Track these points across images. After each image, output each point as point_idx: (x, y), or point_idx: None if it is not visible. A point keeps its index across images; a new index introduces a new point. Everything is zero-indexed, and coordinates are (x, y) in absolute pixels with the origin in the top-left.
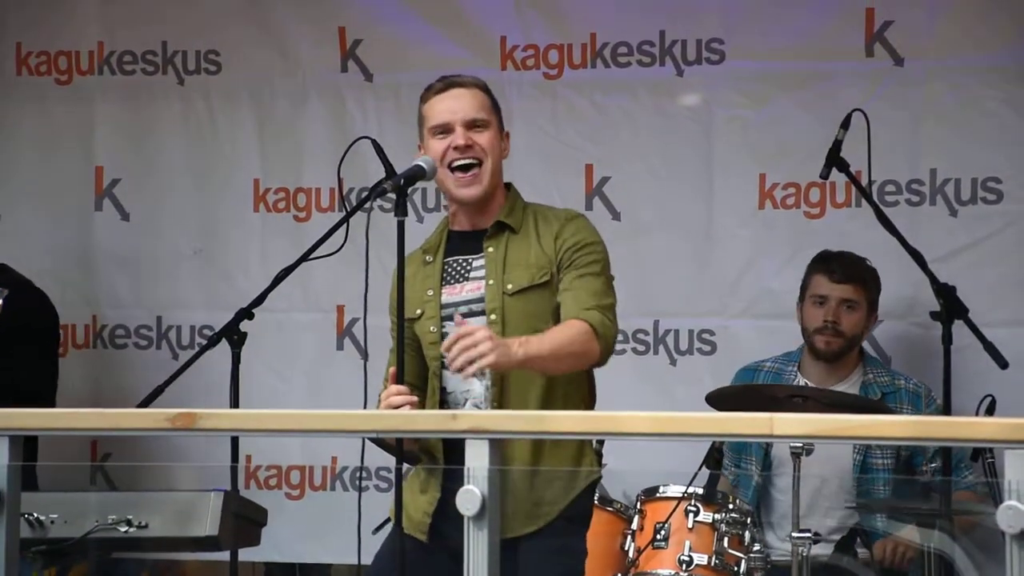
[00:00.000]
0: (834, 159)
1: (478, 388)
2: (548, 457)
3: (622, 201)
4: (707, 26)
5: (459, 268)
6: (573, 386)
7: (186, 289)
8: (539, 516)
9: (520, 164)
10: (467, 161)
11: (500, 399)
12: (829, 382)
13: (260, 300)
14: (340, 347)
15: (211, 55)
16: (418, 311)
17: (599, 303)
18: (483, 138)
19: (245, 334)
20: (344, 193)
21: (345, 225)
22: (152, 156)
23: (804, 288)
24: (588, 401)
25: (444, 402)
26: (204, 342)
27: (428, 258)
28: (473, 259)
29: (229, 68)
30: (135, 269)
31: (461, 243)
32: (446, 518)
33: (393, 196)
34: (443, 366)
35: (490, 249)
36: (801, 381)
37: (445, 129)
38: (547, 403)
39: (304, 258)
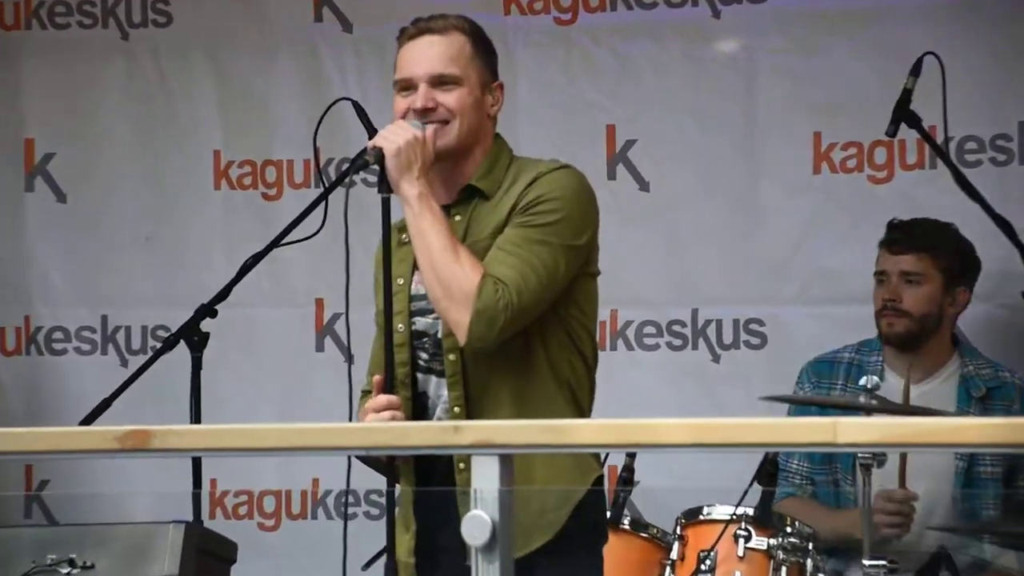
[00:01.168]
0: (903, 113)
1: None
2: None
3: (650, 168)
4: None
5: None
6: (555, 386)
7: (136, 283)
8: (546, 526)
9: (528, 126)
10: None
11: (465, 402)
12: (917, 375)
13: (224, 294)
14: (320, 348)
15: (159, 4)
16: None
17: (499, 267)
18: (450, 97)
19: (207, 335)
20: (321, 166)
21: (323, 204)
22: (92, 126)
23: (877, 270)
24: (581, 408)
25: (419, 412)
26: (158, 345)
27: (404, 237)
28: None
29: (181, 19)
30: (74, 260)
31: None
32: (428, 556)
33: (377, 168)
34: (415, 369)
35: (456, 218)
36: (889, 376)
37: (407, 85)
38: (521, 407)
39: (275, 243)
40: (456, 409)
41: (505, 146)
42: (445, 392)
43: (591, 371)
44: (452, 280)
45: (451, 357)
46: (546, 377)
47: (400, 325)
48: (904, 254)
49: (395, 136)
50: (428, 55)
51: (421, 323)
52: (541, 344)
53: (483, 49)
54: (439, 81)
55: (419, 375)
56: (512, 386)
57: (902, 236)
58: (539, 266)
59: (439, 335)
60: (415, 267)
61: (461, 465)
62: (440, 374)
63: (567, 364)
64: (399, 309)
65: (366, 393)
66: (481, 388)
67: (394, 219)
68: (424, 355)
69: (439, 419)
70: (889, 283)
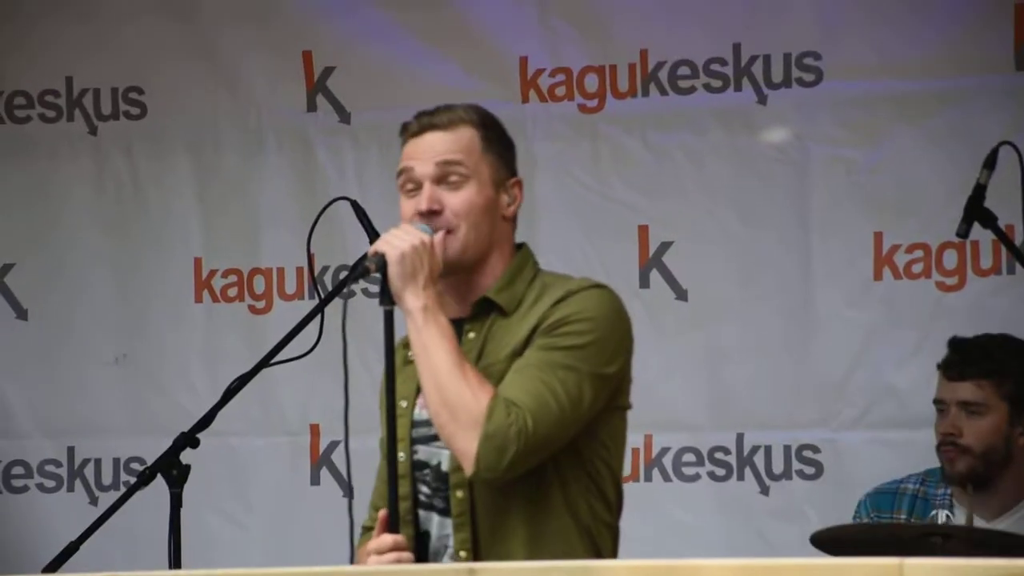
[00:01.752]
0: (976, 210)
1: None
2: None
3: (688, 274)
4: (797, 35)
5: None
6: (575, 533)
7: (106, 409)
8: None
9: (548, 228)
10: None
11: (473, 546)
12: (989, 513)
13: (207, 421)
14: (316, 481)
15: (132, 94)
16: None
17: (523, 399)
18: (457, 199)
19: (188, 467)
20: (316, 274)
21: (319, 317)
22: (56, 231)
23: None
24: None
25: (421, 554)
26: (132, 480)
27: (409, 355)
28: None
29: (157, 110)
30: (36, 384)
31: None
32: None
33: (379, 277)
34: (418, 504)
35: (470, 335)
36: (959, 512)
37: (412, 182)
38: (535, 556)
39: (265, 363)
40: (462, 554)
41: (530, 258)
42: (450, 533)
43: (615, 518)
44: (459, 402)
45: (459, 494)
46: (565, 523)
47: (402, 454)
48: (962, 381)
49: (399, 241)
50: (433, 150)
51: (423, 452)
52: (559, 484)
53: (496, 142)
54: (444, 176)
55: (420, 511)
56: (526, 530)
57: (959, 359)
58: (561, 393)
59: (443, 468)
60: (419, 389)
61: None
62: (442, 512)
63: (587, 508)
64: (401, 436)
65: (367, 530)
66: (490, 531)
67: (397, 334)
68: (425, 489)
69: None
70: (947, 414)
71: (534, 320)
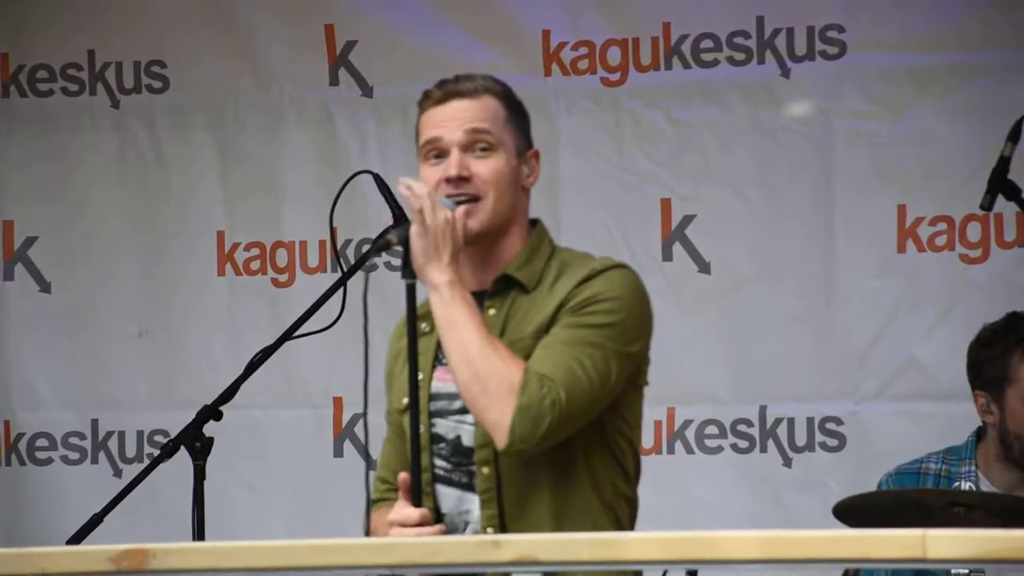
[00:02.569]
0: (1000, 183)
1: (477, 511)
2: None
3: (712, 247)
4: (821, 8)
5: None
6: (599, 507)
7: (130, 382)
8: None
9: (571, 202)
10: (461, 198)
11: (500, 521)
12: (1021, 489)
13: (230, 394)
14: (339, 453)
15: (154, 68)
16: (405, 401)
17: (546, 365)
18: (485, 166)
19: (211, 440)
20: (339, 247)
21: (342, 291)
22: (79, 205)
23: (1004, 375)
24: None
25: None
26: (156, 452)
27: (424, 327)
28: None
29: (179, 84)
30: (60, 357)
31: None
32: None
33: (401, 250)
34: (434, 478)
35: (491, 311)
36: (986, 488)
37: (437, 150)
38: (559, 525)
39: (288, 336)
40: (489, 530)
41: (546, 234)
42: (472, 509)
43: (634, 491)
44: (491, 375)
45: (485, 471)
46: (589, 498)
47: (420, 426)
48: None
49: (426, 212)
50: (462, 116)
51: (441, 425)
52: (584, 460)
53: (517, 113)
54: (473, 144)
55: (437, 485)
56: (551, 506)
57: None
58: (591, 369)
59: (463, 442)
60: (435, 361)
61: None
62: (462, 486)
63: (610, 484)
64: (420, 408)
65: (375, 502)
66: (517, 507)
67: (419, 304)
68: (441, 462)
69: None
70: None
71: (559, 298)
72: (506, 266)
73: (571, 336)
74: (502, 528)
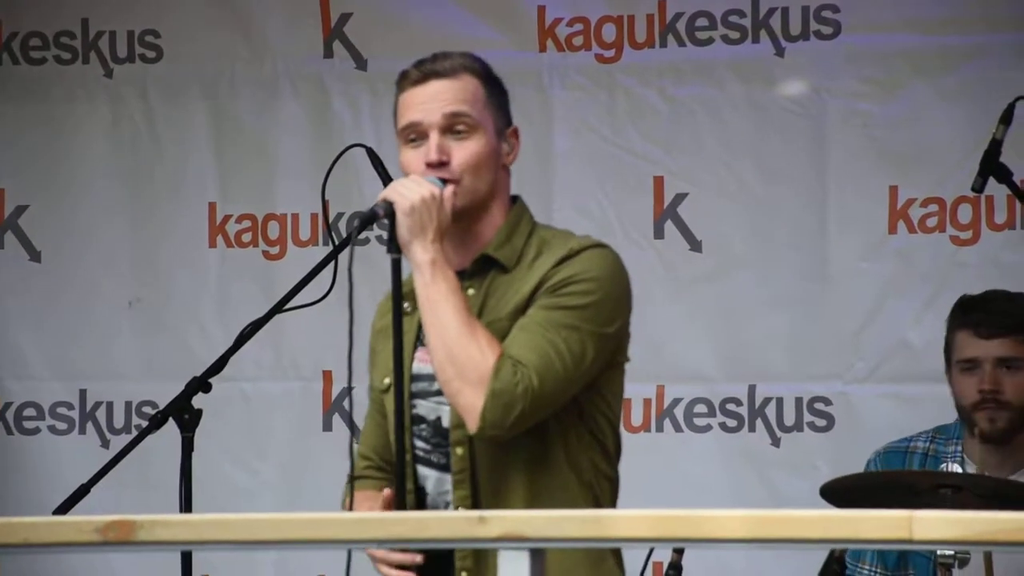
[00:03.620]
0: (991, 165)
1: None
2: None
3: (704, 226)
4: None
5: None
6: (577, 487)
7: (119, 353)
8: None
9: (565, 179)
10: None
11: (473, 503)
12: (1005, 469)
13: (219, 366)
14: (327, 427)
15: (148, 37)
16: (386, 380)
17: (520, 349)
18: (464, 149)
19: (200, 412)
20: (331, 221)
21: (332, 264)
22: (70, 174)
23: (948, 351)
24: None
25: (419, 509)
26: (144, 424)
27: (407, 307)
28: None
29: (173, 54)
30: (49, 327)
31: None
32: None
33: (388, 224)
34: (415, 459)
35: (470, 291)
36: (971, 468)
37: (416, 133)
38: (533, 505)
39: (278, 309)
40: (461, 511)
41: (525, 212)
42: (448, 489)
43: (614, 470)
44: (467, 360)
45: (459, 451)
46: (567, 477)
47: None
48: (998, 338)
49: (409, 191)
50: (441, 97)
51: (422, 407)
52: (560, 439)
53: (496, 92)
54: (452, 126)
55: (418, 466)
56: (527, 487)
57: (988, 317)
58: (565, 352)
59: (443, 423)
60: (417, 342)
61: (463, 574)
62: (440, 467)
63: (588, 462)
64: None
65: (357, 478)
66: (492, 488)
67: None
68: (422, 444)
69: None
70: (983, 372)
71: (537, 278)
72: (485, 246)
73: (547, 318)
74: (475, 509)
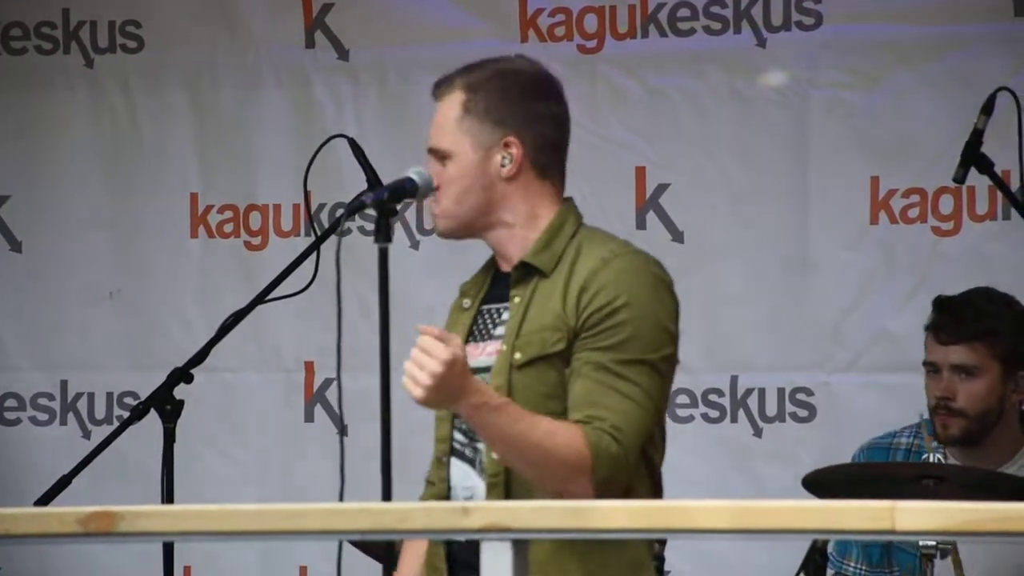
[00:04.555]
0: (973, 156)
1: (481, 485)
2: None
3: (685, 217)
4: None
5: (489, 320)
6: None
7: (100, 344)
8: None
9: None
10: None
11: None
12: (983, 468)
13: (201, 357)
14: (310, 418)
15: (129, 27)
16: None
17: (601, 411)
18: (442, 175)
19: (181, 403)
20: (313, 211)
21: (315, 254)
22: (51, 165)
23: (924, 355)
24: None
25: (446, 498)
26: (126, 414)
27: (466, 303)
28: (503, 309)
29: (154, 44)
30: (30, 317)
31: (500, 287)
32: None
33: (374, 215)
34: (451, 451)
35: (516, 299)
36: (952, 461)
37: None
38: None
39: (260, 299)
40: None
41: (570, 215)
42: (474, 485)
43: (657, 474)
44: (560, 463)
45: (494, 455)
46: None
47: None
48: (954, 344)
49: (421, 376)
50: (434, 123)
51: None
52: None
53: (483, 104)
54: (436, 157)
55: (452, 458)
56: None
57: (951, 322)
58: (640, 394)
59: None
60: (468, 336)
61: None
62: (468, 461)
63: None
64: None
65: (430, 484)
66: (526, 492)
67: (392, 270)
68: (459, 436)
69: None
70: (940, 377)
71: (577, 284)
72: (523, 254)
73: (609, 359)
74: None
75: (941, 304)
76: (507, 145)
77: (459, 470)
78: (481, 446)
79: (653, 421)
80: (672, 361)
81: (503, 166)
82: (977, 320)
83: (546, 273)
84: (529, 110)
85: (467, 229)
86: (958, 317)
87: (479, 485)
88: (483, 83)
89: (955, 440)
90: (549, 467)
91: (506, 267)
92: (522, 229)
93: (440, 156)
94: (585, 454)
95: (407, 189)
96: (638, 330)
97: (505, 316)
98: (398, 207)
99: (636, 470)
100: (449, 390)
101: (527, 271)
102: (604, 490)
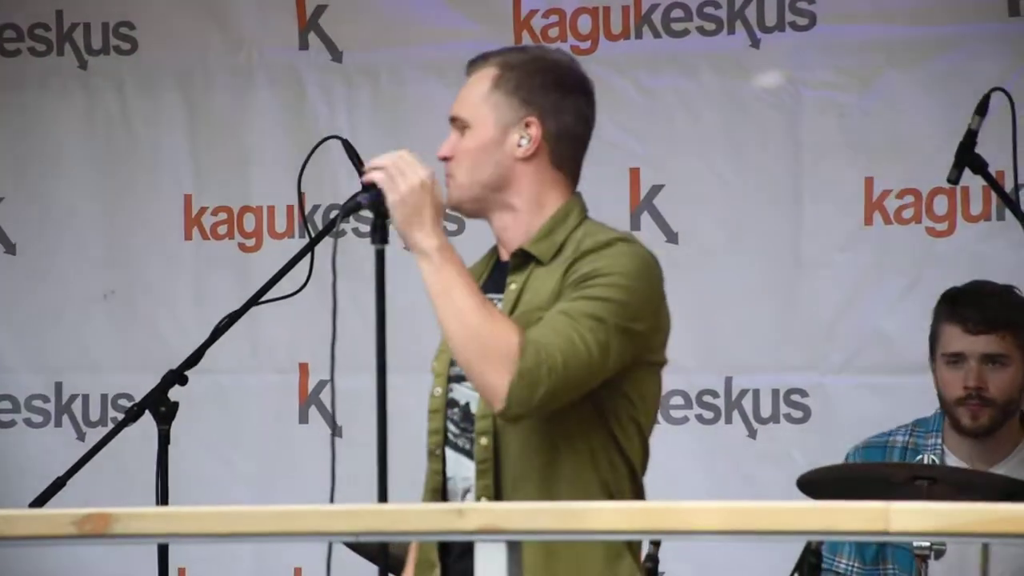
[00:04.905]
0: (967, 156)
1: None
2: (565, 563)
3: (679, 217)
4: None
5: None
6: (596, 488)
7: (94, 345)
8: None
9: None
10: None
11: (495, 493)
12: (982, 463)
13: (195, 359)
14: (304, 419)
15: (123, 29)
16: (432, 364)
17: (545, 333)
18: (459, 145)
19: (176, 405)
20: (307, 213)
21: (309, 256)
22: (45, 166)
23: (933, 342)
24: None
25: (443, 491)
26: (120, 416)
27: None
28: (499, 300)
29: (148, 46)
30: (24, 319)
31: (500, 275)
32: None
33: (371, 216)
34: (445, 441)
35: (512, 286)
36: (950, 462)
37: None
38: (549, 490)
39: (254, 301)
40: (483, 500)
41: (575, 207)
42: (469, 475)
43: (639, 473)
44: (491, 340)
45: (483, 441)
46: (586, 475)
47: (439, 389)
48: (985, 334)
49: (397, 183)
50: (460, 96)
51: (458, 391)
52: (581, 436)
53: (513, 83)
54: (456, 126)
55: (447, 449)
56: (543, 480)
57: (977, 312)
58: (591, 340)
59: (472, 409)
60: None
61: None
62: (464, 452)
63: (607, 462)
64: (440, 371)
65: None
66: (512, 480)
67: (389, 274)
68: (452, 427)
69: None
70: (969, 368)
71: (564, 266)
72: (523, 241)
73: (571, 308)
74: (497, 499)
75: (958, 295)
76: (527, 125)
77: (455, 461)
78: (474, 435)
79: (598, 377)
80: (641, 339)
81: (520, 145)
82: (1000, 309)
83: (543, 262)
84: (557, 98)
85: (476, 203)
86: (983, 307)
87: (472, 476)
88: (519, 64)
89: (984, 430)
90: (479, 340)
91: (507, 256)
92: (527, 215)
93: (460, 125)
94: (515, 346)
95: None
96: (625, 298)
97: (501, 305)
98: None
99: (616, 470)
100: (416, 208)
101: (526, 259)
102: (521, 402)
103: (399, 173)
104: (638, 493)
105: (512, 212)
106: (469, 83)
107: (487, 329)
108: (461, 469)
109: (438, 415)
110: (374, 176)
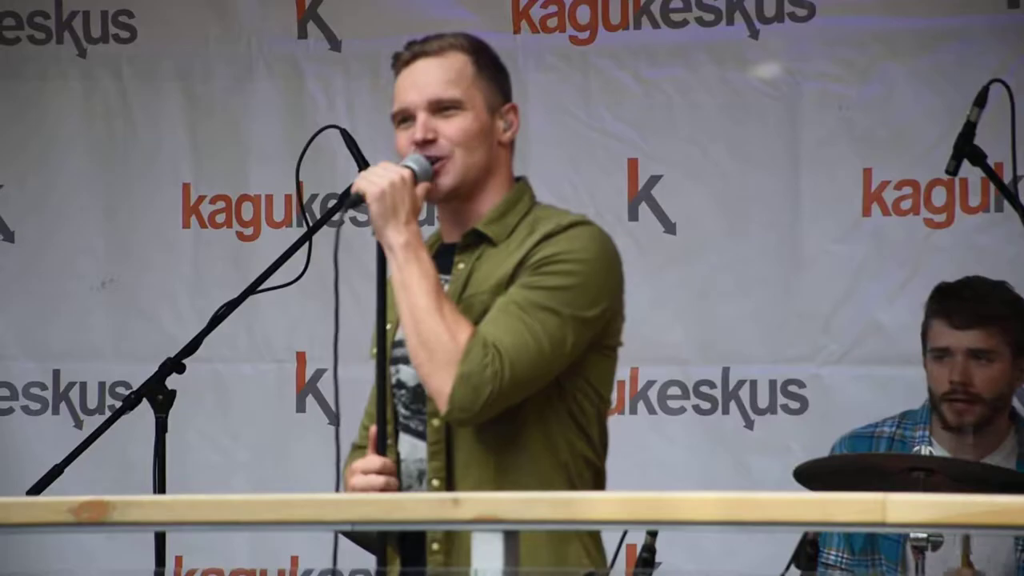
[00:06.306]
0: (965, 148)
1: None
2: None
3: (677, 208)
4: None
5: None
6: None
7: (92, 333)
8: None
9: (539, 159)
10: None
11: (447, 474)
12: (970, 456)
13: (193, 347)
14: (301, 408)
15: (122, 17)
16: (375, 349)
17: (495, 330)
18: (451, 126)
19: (173, 393)
20: (305, 202)
21: (307, 245)
22: (44, 154)
23: (924, 336)
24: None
25: (396, 474)
26: (118, 404)
27: None
28: (446, 282)
29: (147, 34)
30: (22, 306)
31: (444, 259)
32: None
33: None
34: (397, 426)
35: (459, 266)
36: (938, 453)
37: (405, 116)
38: (508, 488)
39: (252, 290)
40: (435, 482)
41: (526, 191)
42: (423, 457)
43: (598, 455)
44: (437, 342)
45: (435, 423)
46: (541, 457)
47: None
48: (971, 329)
49: (378, 178)
50: (425, 80)
51: (405, 372)
52: (538, 418)
53: (489, 68)
54: (438, 107)
55: (400, 433)
56: (498, 463)
57: (964, 307)
58: (542, 335)
59: (422, 389)
60: None
61: (435, 546)
62: (417, 434)
63: (566, 444)
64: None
65: (357, 448)
66: (464, 461)
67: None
68: (402, 410)
69: (411, 489)
70: (954, 363)
71: (521, 254)
72: (477, 221)
73: (526, 298)
74: (448, 481)
75: (948, 290)
76: (509, 111)
77: (408, 444)
78: (426, 416)
79: (552, 371)
80: (597, 324)
81: (505, 131)
82: (990, 305)
83: (495, 243)
84: (509, 85)
85: (471, 187)
86: (971, 302)
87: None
88: (482, 48)
89: (969, 426)
90: (428, 343)
91: (451, 237)
92: (491, 197)
93: (446, 107)
94: (457, 352)
95: None
96: (582, 283)
97: (448, 287)
98: None
99: (575, 453)
100: (394, 203)
101: (477, 239)
102: (463, 406)
103: (380, 171)
104: (598, 476)
105: (485, 193)
106: (443, 65)
107: (434, 330)
108: (414, 451)
109: (388, 402)
110: (358, 183)
